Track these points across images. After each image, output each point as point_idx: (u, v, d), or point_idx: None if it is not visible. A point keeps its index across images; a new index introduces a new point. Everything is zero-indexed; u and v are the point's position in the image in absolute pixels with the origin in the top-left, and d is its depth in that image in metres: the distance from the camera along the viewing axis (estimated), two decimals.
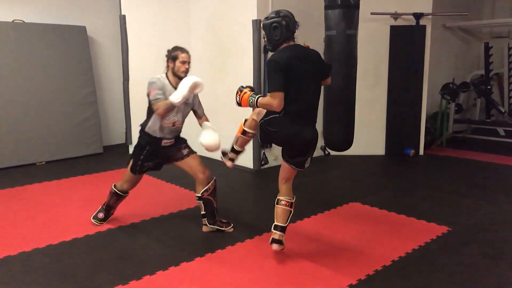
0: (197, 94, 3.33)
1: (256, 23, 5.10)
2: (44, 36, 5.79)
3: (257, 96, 2.80)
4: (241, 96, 2.90)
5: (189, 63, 3.23)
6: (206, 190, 3.36)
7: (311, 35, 5.58)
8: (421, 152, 6.29)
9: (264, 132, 2.91)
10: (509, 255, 3.07)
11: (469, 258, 3.02)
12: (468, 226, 3.60)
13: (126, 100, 6.23)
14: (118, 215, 3.86)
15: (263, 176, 5.28)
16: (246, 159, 5.50)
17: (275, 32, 2.77)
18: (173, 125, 3.29)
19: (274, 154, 5.60)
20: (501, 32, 8.26)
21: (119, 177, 5.12)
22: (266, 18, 2.84)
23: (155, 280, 2.73)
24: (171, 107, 3.11)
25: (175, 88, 3.15)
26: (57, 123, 5.92)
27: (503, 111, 7.70)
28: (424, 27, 5.91)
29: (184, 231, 3.53)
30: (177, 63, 3.19)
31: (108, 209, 3.62)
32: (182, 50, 3.24)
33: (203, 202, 3.39)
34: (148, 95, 3.19)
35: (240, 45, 5.36)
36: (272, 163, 5.56)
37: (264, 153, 5.49)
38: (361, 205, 4.13)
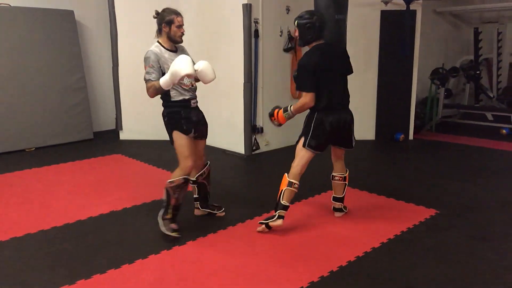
0: (184, 47, 3.24)
1: (246, 7, 5.06)
2: (30, 21, 5.69)
3: (289, 107, 3.17)
4: (276, 117, 3.25)
5: (183, 26, 3.08)
6: (201, 175, 3.37)
7: None
8: (411, 136, 6.35)
9: (316, 134, 3.15)
10: (494, 237, 3.14)
11: (455, 240, 3.09)
12: (455, 208, 3.67)
13: (116, 86, 6.19)
14: (109, 200, 3.87)
15: (255, 161, 5.30)
16: (237, 145, 5.52)
17: (308, 32, 3.05)
18: (192, 86, 3.15)
19: (266, 140, 5.62)
20: (490, 17, 8.30)
21: (110, 163, 5.16)
22: (300, 18, 3.08)
23: (147, 264, 2.76)
24: (161, 90, 2.95)
25: (171, 51, 3.06)
26: (46, 109, 5.86)
27: (492, 96, 7.79)
28: (414, 11, 5.91)
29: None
30: (173, 28, 3.03)
31: (176, 212, 3.14)
32: (177, 13, 3.05)
33: (197, 186, 3.40)
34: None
35: (231, 29, 5.33)
36: (263, 148, 5.58)
37: (255, 139, 5.50)
38: (351, 189, 4.17)
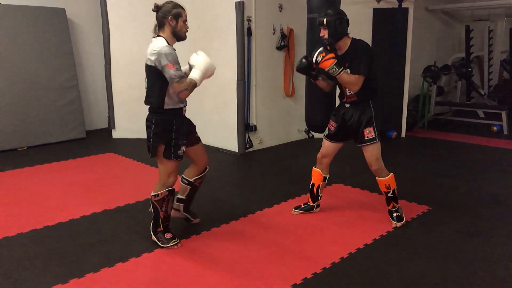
0: None
1: (239, 5, 5.06)
2: (21, 19, 5.65)
3: (340, 70, 2.94)
4: (325, 58, 2.96)
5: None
6: (199, 177, 3.17)
7: (295, 18, 5.58)
8: (403, 134, 6.39)
9: (379, 118, 3.16)
10: (484, 232, 3.17)
11: (447, 236, 3.12)
12: (447, 205, 3.70)
13: (108, 84, 6.16)
14: (102, 199, 3.86)
15: (248, 159, 5.31)
16: (231, 143, 5.53)
17: (341, 27, 2.99)
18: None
19: (259, 138, 5.63)
20: (481, 15, 8.36)
21: (102, 161, 5.14)
22: (326, 15, 3.00)
23: (140, 262, 2.76)
24: (194, 87, 2.71)
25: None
26: (38, 108, 5.83)
27: (483, 93, 7.85)
28: (406, 9, 5.94)
29: None
30: (180, 22, 2.76)
31: (167, 223, 2.98)
32: (182, 7, 2.80)
33: (190, 188, 3.18)
34: (162, 69, 2.68)
35: (224, 27, 5.32)
36: (256, 146, 5.59)
37: (249, 137, 5.51)
38: (343, 186, 4.20)
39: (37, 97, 5.81)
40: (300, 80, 5.66)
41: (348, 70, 3.01)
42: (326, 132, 3.36)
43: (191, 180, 3.14)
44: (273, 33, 5.55)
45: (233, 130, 5.44)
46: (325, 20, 2.99)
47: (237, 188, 4.34)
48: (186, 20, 2.82)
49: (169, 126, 2.80)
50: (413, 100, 7.34)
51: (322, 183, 3.45)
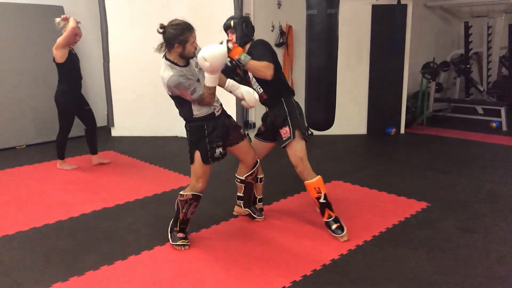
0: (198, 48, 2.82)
1: (237, 2, 5.05)
2: (20, 17, 5.63)
3: (246, 56, 2.82)
4: (234, 45, 2.86)
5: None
6: (250, 174, 3.15)
7: (294, 15, 5.57)
8: (402, 130, 6.39)
9: (296, 115, 3.07)
10: (482, 229, 3.18)
11: (445, 232, 3.12)
12: (446, 201, 3.71)
13: (107, 82, 6.15)
14: (102, 197, 3.86)
15: None
16: None
17: (248, 29, 3.02)
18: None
19: None
20: (480, 12, 8.36)
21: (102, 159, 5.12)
22: (233, 18, 3.06)
23: (140, 260, 2.76)
24: (214, 90, 2.68)
25: (183, 66, 2.71)
26: (36, 106, 5.81)
27: (482, 89, 7.86)
28: (405, 6, 5.93)
29: (168, 211, 3.53)
30: (188, 46, 2.65)
31: (184, 226, 2.97)
32: (190, 28, 2.64)
33: (244, 186, 3.21)
34: (179, 97, 2.71)
35: (222, 24, 5.29)
36: None
37: (248, 134, 5.50)
38: (343, 183, 4.20)
39: (35, 95, 5.79)
40: (300, 77, 5.65)
41: None
42: (256, 130, 3.35)
43: (243, 178, 3.17)
44: (272, 30, 5.55)
45: None
46: (232, 22, 3.02)
47: (235, 185, 4.33)
48: (195, 40, 2.70)
49: (201, 132, 2.79)
50: (412, 97, 7.34)
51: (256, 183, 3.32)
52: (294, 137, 2.95)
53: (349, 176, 4.38)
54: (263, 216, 3.37)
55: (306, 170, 2.99)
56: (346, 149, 5.56)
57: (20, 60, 5.65)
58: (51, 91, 5.93)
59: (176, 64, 2.69)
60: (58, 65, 4.43)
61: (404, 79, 6.20)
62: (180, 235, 2.92)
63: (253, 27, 3.06)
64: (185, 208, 2.87)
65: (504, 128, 6.59)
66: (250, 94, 2.88)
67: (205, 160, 2.81)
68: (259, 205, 3.41)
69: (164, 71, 2.67)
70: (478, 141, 5.91)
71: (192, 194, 2.86)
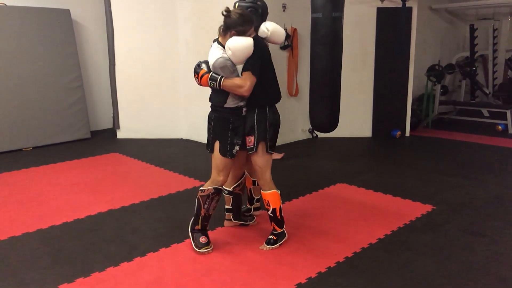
0: None
1: None
2: (26, 20, 5.68)
3: (218, 79, 2.67)
4: (199, 78, 2.75)
5: None
6: (238, 185, 3.16)
7: (299, 18, 5.59)
8: (407, 133, 6.38)
9: (264, 129, 2.87)
10: (489, 232, 3.17)
11: (451, 235, 3.11)
12: (451, 204, 3.70)
13: (112, 84, 6.19)
14: (107, 199, 3.88)
15: None
16: None
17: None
18: None
19: None
20: (486, 14, 8.33)
21: (107, 161, 5.16)
22: (240, 0, 2.88)
23: (146, 262, 2.77)
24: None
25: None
26: (43, 108, 5.86)
27: (488, 92, 7.82)
28: (410, 8, 5.93)
29: (174, 214, 3.56)
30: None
31: (206, 223, 2.93)
32: (251, 22, 2.70)
33: (232, 197, 3.19)
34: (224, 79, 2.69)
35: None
36: None
37: None
38: (348, 186, 4.20)
39: (42, 98, 5.84)
40: (304, 80, 5.66)
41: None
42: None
43: (231, 189, 3.15)
44: None
45: None
46: (236, 4, 2.86)
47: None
48: (251, 35, 2.72)
49: (226, 123, 2.80)
50: (417, 100, 7.32)
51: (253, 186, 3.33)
52: (256, 150, 2.81)
53: (354, 178, 4.38)
54: (255, 219, 3.36)
55: (264, 183, 2.89)
56: (351, 151, 5.55)
57: (27, 63, 5.70)
58: (58, 93, 6.02)
59: (222, 46, 2.73)
60: None
61: (409, 82, 6.20)
62: (203, 239, 2.88)
63: (261, 16, 2.81)
64: (207, 203, 2.84)
65: (510, 131, 6.56)
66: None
67: (224, 153, 2.80)
68: (256, 205, 3.42)
69: (213, 52, 2.73)
70: (484, 144, 5.88)
71: (214, 188, 2.83)
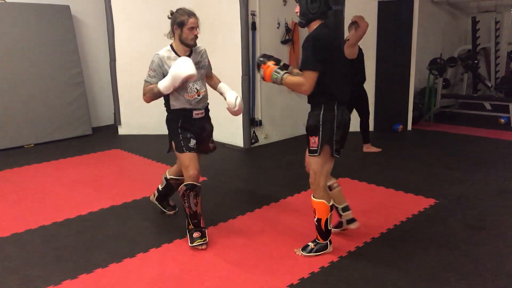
0: (205, 50, 3.05)
1: None
2: (26, 16, 5.66)
3: (282, 74, 2.56)
4: (265, 70, 2.64)
5: (198, 28, 2.82)
6: (176, 180, 3.23)
7: None
8: (409, 127, 6.36)
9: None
10: (490, 226, 3.16)
11: (453, 229, 3.10)
12: (454, 198, 3.69)
13: (113, 81, 6.18)
14: (109, 195, 3.88)
15: (254, 154, 5.31)
16: (236, 138, 5.53)
17: (313, 6, 2.50)
18: (198, 95, 2.92)
19: (264, 133, 5.62)
20: (488, 7, 8.28)
21: (109, 158, 5.16)
22: None
23: (148, 257, 2.77)
24: (159, 95, 2.79)
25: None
26: (44, 105, 5.85)
27: (490, 85, 7.79)
28: (412, 1, 5.89)
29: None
30: (185, 30, 2.77)
31: (195, 221, 2.91)
32: (190, 14, 2.79)
33: (166, 183, 3.32)
34: None
35: (228, 22, 5.31)
36: (262, 141, 5.59)
37: (254, 132, 5.50)
38: (350, 180, 4.19)
39: (43, 95, 5.83)
40: None
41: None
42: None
43: (168, 177, 3.29)
44: (278, 27, 5.53)
45: (238, 125, 5.44)
46: None
47: (243, 183, 4.34)
48: (194, 27, 2.80)
49: (175, 123, 2.93)
50: (419, 93, 7.30)
51: None
52: (319, 153, 2.59)
53: (356, 173, 4.37)
54: (175, 210, 3.44)
55: (316, 188, 2.68)
56: (352, 145, 5.53)
57: (28, 59, 5.69)
58: (59, 90, 6.00)
59: (175, 52, 2.85)
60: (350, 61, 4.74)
61: (411, 75, 6.17)
62: (196, 234, 2.87)
63: (325, 5, 2.49)
64: (186, 201, 2.83)
65: None
66: (232, 100, 2.99)
67: (179, 149, 2.88)
68: (346, 214, 2.99)
69: (160, 50, 2.85)
70: (486, 137, 5.86)
71: (185, 185, 2.81)
